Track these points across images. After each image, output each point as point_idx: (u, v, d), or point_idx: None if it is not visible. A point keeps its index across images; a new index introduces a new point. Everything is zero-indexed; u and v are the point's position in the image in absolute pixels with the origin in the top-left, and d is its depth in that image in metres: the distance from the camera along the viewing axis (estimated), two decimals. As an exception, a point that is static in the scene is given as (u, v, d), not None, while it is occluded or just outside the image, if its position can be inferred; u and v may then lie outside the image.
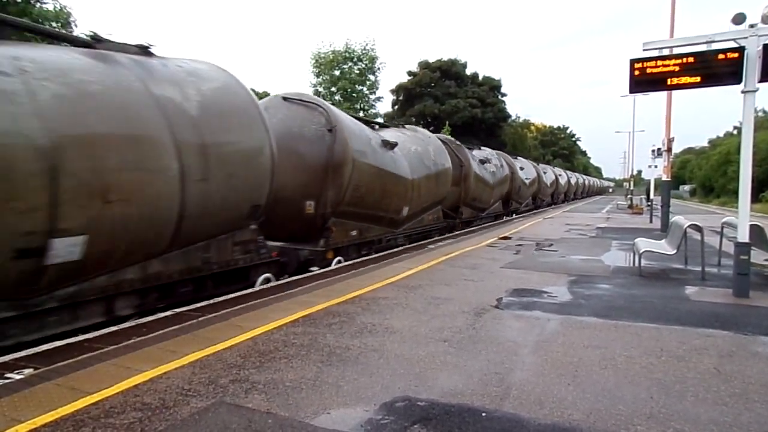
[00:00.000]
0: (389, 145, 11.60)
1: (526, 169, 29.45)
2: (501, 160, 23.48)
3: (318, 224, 9.68)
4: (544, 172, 36.09)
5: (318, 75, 40.60)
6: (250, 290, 7.17)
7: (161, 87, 6.24)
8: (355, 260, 10.13)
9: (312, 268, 9.27)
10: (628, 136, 42.90)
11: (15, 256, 4.67)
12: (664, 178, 17.62)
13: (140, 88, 5.96)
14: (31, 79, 4.87)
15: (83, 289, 5.48)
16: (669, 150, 17.36)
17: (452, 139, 18.85)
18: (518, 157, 30.15)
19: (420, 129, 15.77)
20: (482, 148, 21.87)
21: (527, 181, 28.65)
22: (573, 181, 54.25)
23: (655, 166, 23.64)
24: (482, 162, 19.64)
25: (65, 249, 5.01)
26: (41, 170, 4.71)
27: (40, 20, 21.18)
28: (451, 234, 15.93)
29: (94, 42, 6.11)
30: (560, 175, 45.07)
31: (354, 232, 10.66)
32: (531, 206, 31.24)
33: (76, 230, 5.06)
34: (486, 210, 20.93)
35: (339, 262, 9.91)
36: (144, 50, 6.60)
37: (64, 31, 5.87)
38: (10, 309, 4.89)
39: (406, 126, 15.34)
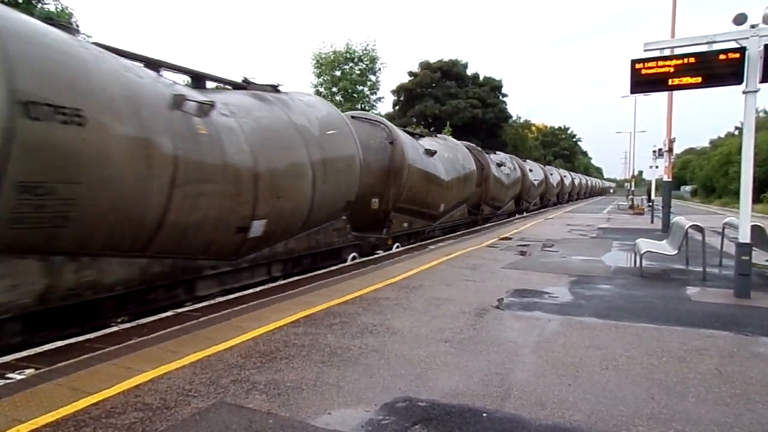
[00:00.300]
0: (430, 153, 13.86)
1: (535, 171, 31.13)
2: (514, 163, 25.50)
3: (381, 217, 12.06)
4: (551, 174, 37.60)
5: (319, 75, 40.61)
6: (250, 291, 7.20)
7: (297, 117, 8.69)
8: (363, 259, 10.41)
9: (377, 252, 11.72)
10: (629, 137, 42.99)
11: (235, 231, 7.14)
12: (665, 178, 17.60)
13: (286, 118, 8.42)
14: (238, 117, 7.23)
15: (258, 256, 8.02)
16: (670, 150, 17.34)
17: (473, 145, 20.79)
18: (527, 160, 32.05)
19: (449, 138, 18.73)
20: (497, 152, 23.99)
21: (536, 182, 30.40)
22: (575, 181, 54.45)
23: (656, 167, 23.65)
24: (499, 165, 21.96)
25: (257, 228, 7.50)
26: (251, 177, 7.15)
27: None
28: (452, 234, 15.98)
29: (246, 84, 8.64)
30: (565, 176, 45.70)
31: (405, 224, 13.07)
32: (539, 205, 32.87)
33: (262, 216, 7.51)
34: (501, 208, 23.50)
35: (397, 247, 12.50)
36: (275, 88, 9.04)
37: (229, 78, 8.54)
38: (226, 266, 7.42)
39: (438, 135, 17.95)
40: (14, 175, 4.42)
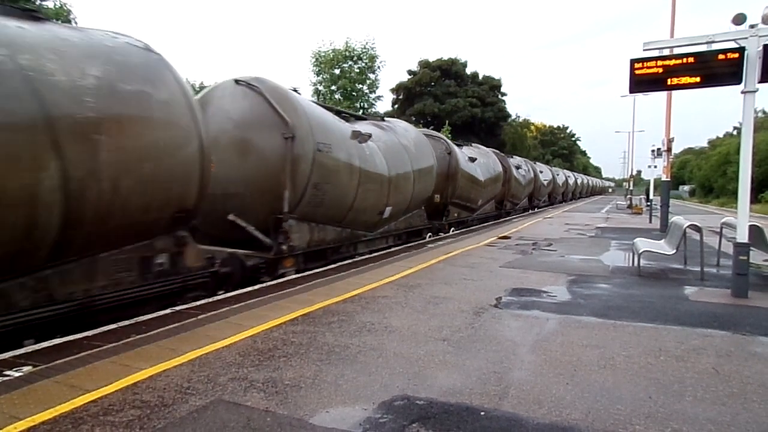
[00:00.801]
0: (472, 160, 18.37)
1: (545, 172, 31.14)
2: (528, 166, 25.95)
3: (441, 209, 16.13)
4: (541, 172, 35.02)
5: (318, 73, 40.52)
6: (249, 288, 7.18)
7: (401, 138, 12.78)
8: (364, 258, 10.41)
9: (440, 233, 15.76)
10: (628, 136, 43.01)
11: (378, 213, 11.30)
12: (664, 178, 17.63)
13: (396, 140, 12.46)
14: (375, 141, 11.16)
15: (383, 230, 12.21)
16: (669, 150, 17.36)
17: (498, 151, 24.06)
18: (514, 156, 29.13)
19: (481, 146, 22.16)
20: (514, 156, 24.87)
21: (545, 182, 30.26)
22: (572, 181, 54.34)
23: (655, 166, 23.66)
24: (517, 168, 23.18)
25: (387, 212, 11.61)
26: (387, 180, 11.25)
27: (40, 18, 21.14)
28: (451, 233, 16.00)
29: (366, 117, 13.10)
30: (558, 174, 44.88)
31: (456, 214, 17.45)
32: (547, 202, 32.76)
33: (391, 204, 11.64)
34: (518, 204, 25.99)
35: (453, 230, 16.96)
36: (382, 118, 13.77)
37: (358, 114, 13.26)
38: (370, 235, 11.60)
39: (473, 144, 21.68)
40: (313, 180, 8.78)
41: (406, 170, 12.25)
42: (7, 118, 4.41)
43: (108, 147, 5.16)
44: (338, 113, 11.35)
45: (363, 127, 11.23)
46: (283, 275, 8.42)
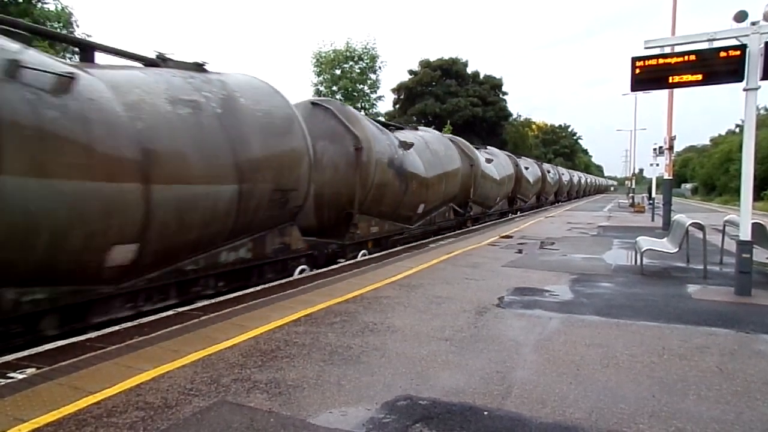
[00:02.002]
0: (489, 161, 20.36)
1: (531, 169, 30.49)
2: (507, 159, 25.00)
3: (463, 206, 17.94)
4: (548, 171, 37.14)
5: (319, 74, 40.57)
6: (250, 290, 7.19)
7: (433, 145, 14.88)
8: (359, 259, 10.35)
9: (459, 228, 17.63)
10: (630, 135, 42.95)
11: (413, 209, 13.31)
12: (666, 176, 17.58)
13: (430, 147, 14.58)
14: (414, 148, 13.07)
15: (417, 226, 14.08)
16: (671, 148, 17.32)
17: (496, 149, 24.61)
18: (522, 157, 31.21)
19: (494, 149, 24.14)
20: (488, 147, 24.15)
21: (531, 180, 29.75)
22: (575, 179, 54.48)
23: (657, 165, 23.59)
24: (488, 161, 21.84)
25: (421, 208, 13.77)
26: (426, 184, 13.50)
27: (41, 20, 21.17)
28: (452, 233, 15.99)
29: (403, 126, 15.41)
30: (563, 174, 45.69)
31: (476, 210, 19.39)
32: (534, 204, 32.46)
33: (426, 202, 13.89)
34: (492, 207, 24.96)
35: (473, 224, 19.17)
36: (415, 127, 16.24)
37: (396, 124, 14.57)
38: (410, 228, 13.58)
39: (489, 147, 23.42)
40: (375, 182, 10.82)
41: (438, 173, 14.39)
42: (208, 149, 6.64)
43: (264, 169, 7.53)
44: (385, 125, 13.65)
45: (404, 135, 13.55)
46: (354, 257, 10.64)
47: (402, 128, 15.11)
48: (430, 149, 14.58)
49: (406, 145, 12.82)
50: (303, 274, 8.66)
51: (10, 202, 4.51)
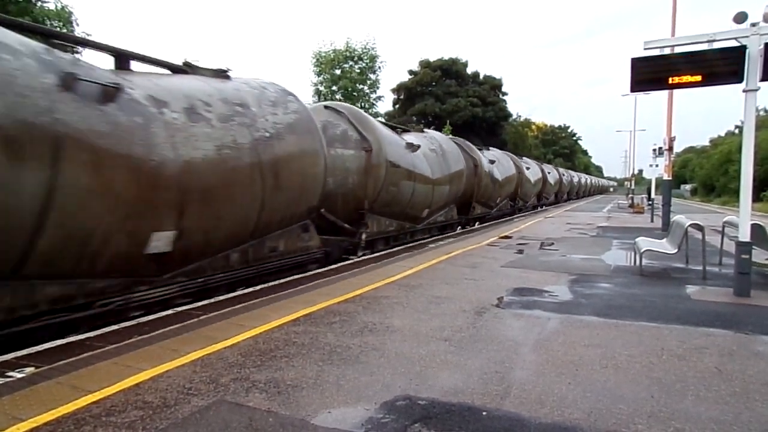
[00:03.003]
0: (491, 162, 20.97)
1: (532, 169, 30.93)
2: (509, 161, 25.51)
3: (467, 206, 18.50)
4: (549, 172, 37.78)
5: (319, 74, 40.49)
6: (250, 289, 7.19)
7: (438, 146, 15.39)
8: (358, 259, 10.38)
9: (463, 227, 18.30)
10: (630, 135, 42.94)
11: (421, 209, 13.91)
12: (665, 177, 17.59)
13: (435, 148, 15.01)
14: (422, 151, 13.60)
15: (426, 224, 14.74)
16: (670, 149, 17.33)
17: (498, 150, 25.00)
18: (524, 158, 31.89)
19: (497, 150, 24.55)
20: (490, 148, 24.49)
21: (533, 181, 30.19)
22: (574, 180, 54.64)
23: (656, 165, 23.59)
24: (491, 162, 22.38)
25: (431, 207, 14.59)
26: (432, 184, 13.93)
27: (41, 19, 21.15)
28: (452, 233, 16.02)
29: (412, 128, 16.18)
30: (563, 174, 46.02)
31: (479, 210, 19.91)
32: (536, 204, 33.10)
33: (433, 202, 14.48)
34: (494, 207, 25.48)
35: (477, 224, 19.91)
36: (422, 129, 16.70)
37: (403, 126, 14.64)
38: (417, 227, 14.25)
39: (492, 149, 23.65)
40: (385, 183, 11.29)
41: (443, 174, 14.81)
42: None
43: (286, 170, 7.91)
44: (392, 128, 13.88)
45: (410, 138, 13.87)
46: (363, 255, 11.06)
47: (408, 130, 15.47)
48: (435, 151, 15.02)
49: (413, 147, 13.17)
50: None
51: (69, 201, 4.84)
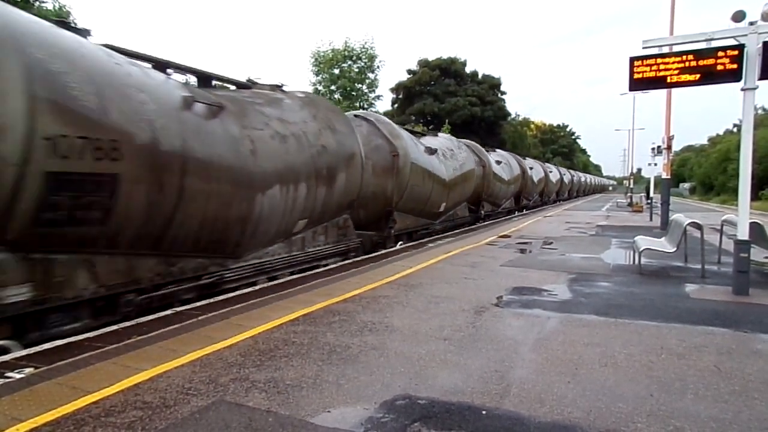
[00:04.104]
0: (498, 162, 22.29)
1: (535, 169, 32.16)
2: (514, 161, 26.67)
3: (477, 204, 19.96)
4: (550, 171, 38.97)
5: (317, 73, 40.50)
6: (249, 289, 7.19)
7: (450, 149, 16.65)
8: (356, 259, 10.35)
9: (474, 223, 19.40)
10: (628, 134, 42.80)
11: (437, 207, 15.32)
12: (664, 176, 17.60)
13: (448, 151, 16.32)
14: (437, 154, 14.99)
15: (442, 221, 16.22)
16: (669, 148, 17.34)
17: (504, 151, 26.61)
18: (527, 158, 33.17)
19: (502, 151, 26.14)
20: (497, 149, 26.02)
21: (536, 180, 31.35)
22: (574, 179, 54.86)
23: (655, 164, 23.64)
24: (498, 162, 23.56)
25: (443, 206, 15.55)
26: (447, 184, 15.24)
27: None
28: (454, 231, 16.05)
29: (426, 133, 18.25)
30: (564, 173, 46.51)
31: (487, 208, 21.16)
32: (539, 202, 34.18)
33: (448, 201, 15.76)
34: (501, 205, 26.46)
35: (485, 219, 21.00)
36: (436, 133, 18.38)
37: (418, 131, 16.30)
38: (435, 223, 15.64)
39: (498, 150, 25.38)
40: (410, 183, 12.75)
41: (457, 174, 16.23)
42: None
43: (334, 168, 9.20)
44: (412, 133, 15.17)
45: (427, 141, 15.39)
46: (391, 247, 12.31)
47: (424, 134, 17.03)
48: (449, 153, 16.33)
49: (431, 150, 14.53)
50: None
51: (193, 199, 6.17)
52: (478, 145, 20.65)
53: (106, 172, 5.04)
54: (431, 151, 14.46)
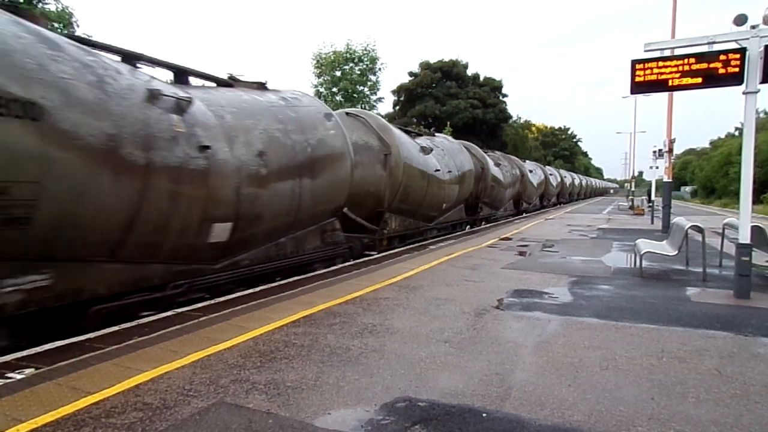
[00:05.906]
0: (497, 164, 21.77)
1: (535, 171, 31.82)
2: (513, 163, 26.31)
3: (474, 206, 19.48)
4: (551, 174, 38.67)
5: (319, 75, 40.56)
6: (250, 290, 7.19)
7: (448, 149, 16.19)
8: (358, 261, 10.37)
9: (471, 226, 19.40)
10: (630, 137, 42.98)
11: (440, 204, 14.93)
12: (666, 179, 17.59)
13: (445, 151, 15.84)
14: (434, 154, 14.38)
15: (436, 223, 15.33)
16: (670, 151, 17.33)
17: (503, 153, 26.24)
18: (526, 161, 32.84)
19: (501, 153, 25.60)
20: (495, 151, 25.69)
21: (536, 183, 31.04)
22: (575, 182, 54.80)
23: (657, 167, 23.64)
24: (496, 164, 23.20)
25: (443, 207, 15.31)
26: (443, 185, 14.71)
27: (42, 21, 21.14)
28: (452, 234, 16.03)
29: (421, 133, 16.21)
30: (565, 176, 46.41)
31: (486, 211, 20.95)
32: (538, 206, 33.88)
33: (444, 202, 15.21)
34: (500, 208, 26.12)
35: (484, 223, 20.90)
36: (433, 134, 17.49)
37: (414, 131, 15.44)
38: (429, 225, 14.94)
39: (497, 152, 24.73)
40: (403, 184, 12.11)
41: (454, 176, 15.70)
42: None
43: (320, 171, 8.64)
44: (407, 132, 14.45)
45: (423, 141, 14.67)
46: (384, 251, 11.74)
47: (421, 134, 16.22)
48: (446, 154, 15.77)
49: (426, 150, 14.02)
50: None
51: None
52: (476, 147, 20.37)
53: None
54: (427, 151, 14.02)
